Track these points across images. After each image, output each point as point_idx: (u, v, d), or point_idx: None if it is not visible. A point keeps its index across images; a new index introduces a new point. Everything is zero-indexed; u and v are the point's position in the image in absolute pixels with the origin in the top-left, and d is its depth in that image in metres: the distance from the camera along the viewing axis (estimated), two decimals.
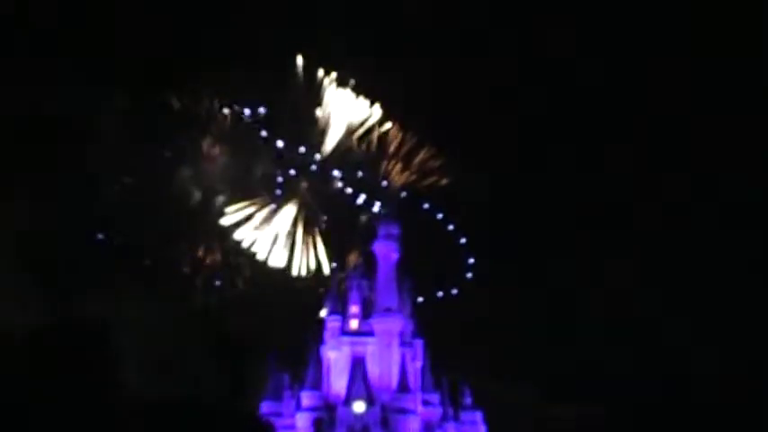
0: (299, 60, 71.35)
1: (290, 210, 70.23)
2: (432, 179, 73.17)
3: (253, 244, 68.37)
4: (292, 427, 57.27)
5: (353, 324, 60.41)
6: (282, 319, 64.82)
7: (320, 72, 71.57)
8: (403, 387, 57.16)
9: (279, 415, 57.98)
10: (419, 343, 61.42)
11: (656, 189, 78.23)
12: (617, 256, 75.34)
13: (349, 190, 72.10)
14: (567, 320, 74.51)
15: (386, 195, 68.43)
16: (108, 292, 59.50)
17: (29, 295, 56.72)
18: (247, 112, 70.66)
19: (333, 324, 60.39)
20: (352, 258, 65.94)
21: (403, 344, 59.88)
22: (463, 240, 74.44)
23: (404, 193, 70.72)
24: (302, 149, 71.33)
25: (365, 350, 59.07)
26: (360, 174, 72.32)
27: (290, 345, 61.92)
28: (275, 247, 68.72)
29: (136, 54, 68.08)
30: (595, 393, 69.35)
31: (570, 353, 72.73)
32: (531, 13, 76.60)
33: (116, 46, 68.01)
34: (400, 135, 72.82)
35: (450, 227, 74.29)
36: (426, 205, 73.68)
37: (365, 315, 60.61)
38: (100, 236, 66.73)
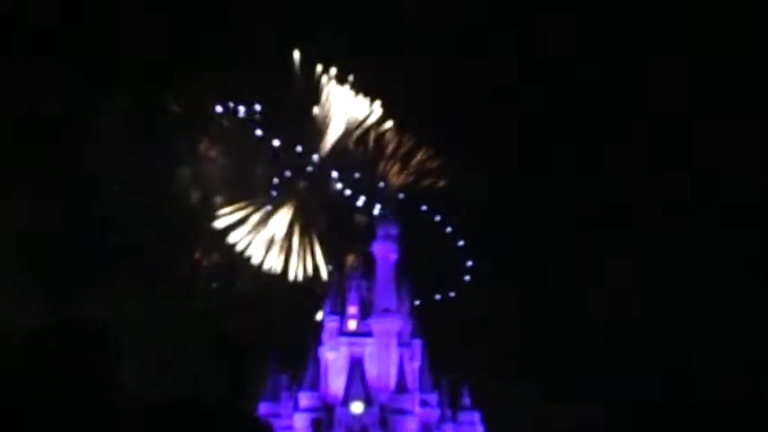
0: (296, 55, 71.13)
1: (286, 212, 70.10)
2: (430, 180, 73.21)
3: (248, 247, 68.32)
4: (290, 427, 57.22)
5: (352, 324, 60.39)
6: (281, 319, 64.82)
7: (318, 68, 71.43)
8: (401, 387, 57.15)
9: (277, 416, 57.97)
10: (417, 343, 61.39)
11: (656, 189, 78.28)
12: (617, 256, 75.37)
13: (347, 191, 72.07)
14: (567, 320, 74.54)
15: (384, 196, 68.37)
16: (108, 292, 59.48)
17: (29, 295, 56.70)
18: (243, 110, 70.39)
19: (331, 324, 60.39)
20: (351, 259, 65.91)
21: (401, 344, 59.87)
22: (461, 242, 74.53)
23: (401, 195, 70.69)
24: (299, 149, 71.19)
25: (363, 351, 59.08)
26: (358, 175, 72.30)
27: (289, 345, 61.93)
28: (271, 251, 68.69)
29: (136, 54, 68.07)
30: (595, 393, 69.38)
31: (570, 353, 72.78)
32: (531, 13, 76.63)
33: (116, 46, 68.00)
34: (398, 136, 72.85)
35: (449, 229, 74.36)
36: (424, 207, 73.74)
37: (363, 315, 60.59)
38: (100, 236, 66.74)
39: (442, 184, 73.41)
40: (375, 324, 59.40)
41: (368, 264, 62.92)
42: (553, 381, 70.96)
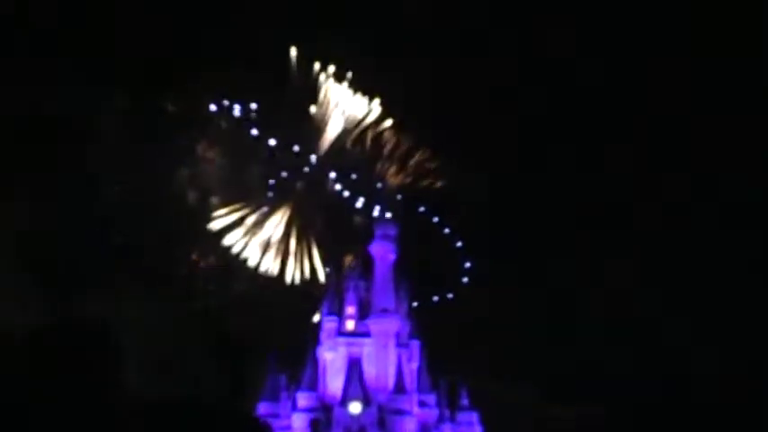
0: (293, 53, 70.87)
1: (283, 214, 69.90)
2: (428, 181, 73.14)
3: (244, 249, 68.22)
4: (289, 427, 57.25)
5: (350, 325, 60.43)
6: (279, 320, 64.78)
7: (316, 66, 71.17)
8: (399, 388, 57.15)
9: (276, 416, 57.97)
10: (415, 344, 61.42)
11: (656, 189, 78.25)
12: (617, 256, 75.36)
13: (345, 192, 71.91)
14: (567, 320, 74.51)
15: (382, 196, 68.28)
16: (108, 292, 59.48)
17: (29, 295, 56.68)
18: (238, 109, 70.08)
19: (329, 325, 60.41)
20: (348, 260, 65.85)
21: (399, 345, 59.89)
22: (459, 244, 74.51)
23: (399, 196, 70.60)
24: (296, 148, 70.96)
25: (362, 351, 59.14)
26: (355, 175, 72.17)
27: (287, 346, 61.91)
28: (267, 253, 68.58)
29: (136, 54, 68.04)
30: (595, 393, 69.36)
31: (570, 353, 72.75)
32: (531, 13, 76.60)
33: (116, 46, 67.97)
34: (396, 136, 72.73)
35: (447, 230, 74.32)
36: (422, 208, 73.68)
37: (362, 316, 60.62)
38: (100, 236, 66.70)
39: (439, 184, 73.43)
40: (373, 324, 59.39)
41: (366, 264, 62.91)
42: (553, 381, 70.97)
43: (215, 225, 68.02)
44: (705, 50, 74.99)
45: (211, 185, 70.19)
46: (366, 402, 56.05)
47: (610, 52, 76.47)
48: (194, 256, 69.13)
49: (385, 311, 59.48)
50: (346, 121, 72.17)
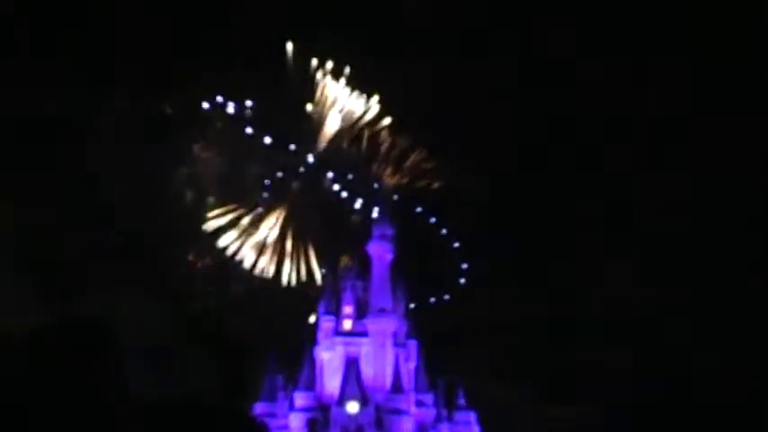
0: (289, 47, 70.53)
1: (278, 214, 69.70)
2: (425, 181, 73.04)
3: (238, 251, 68.12)
4: (286, 427, 57.11)
5: (347, 324, 60.31)
6: (276, 320, 64.73)
7: (314, 63, 70.87)
8: (397, 387, 57.11)
9: (273, 415, 57.86)
10: (413, 343, 61.40)
11: (656, 189, 78.24)
12: (617, 256, 75.36)
13: (343, 192, 71.78)
14: (567, 320, 74.48)
15: (379, 196, 68.14)
16: (108, 292, 59.47)
17: (29, 295, 56.69)
18: (232, 106, 69.78)
19: (326, 324, 60.30)
20: (345, 260, 65.76)
21: (397, 344, 59.85)
22: (457, 245, 74.47)
23: (396, 197, 70.47)
24: (292, 147, 70.73)
25: (359, 350, 59.02)
26: (352, 175, 72.03)
27: (285, 345, 61.87)
28: (263, 255, 68.45)
29: (136, 54, 68.03)
30: (595, 393, 69.37)
31: (570, 353, 72.73)
32: (531, 13, 76.59)
33: (116, 46, 67.97)
34: (393, 136, 72.59)
35: (444, 231, 74.28)
36: (419, 209, 73.61)
37: (359, 315, 60.51)
38: (100, 236, 66.69)
39: (437, 185, 73.33)
40: (371, 324, 59.32)
41: (363, 264, 62.85)
42: (553, 381, 70.97)
43: (210, 226, 67.92)
44: (705, 50, 75.00)
45: (207, 185, 70.05)
46: (363, 402, 55.99)
47: (610, 52, 76.49)
48: (191, 257, 69.03)
49: (382, 311, 59.42)
50: (343, 119, 71.95)
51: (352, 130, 72.28)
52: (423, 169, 72.94)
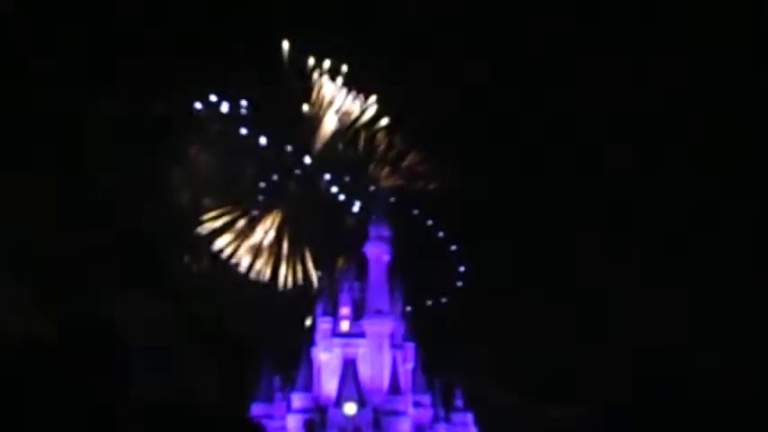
0: (285, 46, 70.13)
1: (274, 216, 69.43)
2: (422, 183, 72.92)
3: (233, 254, 67.97)
4: (283, 428, 57.17)
5: (344, 326, 60.19)
6: (274, 321, 64.66)
7: (311, 61, 70.46)
8: (394, 389, 57.09)
9: (270, 417, 57.95)
10: (410, 345, 61.40)
11: (656, 189, 78.28)
12: (617, 256, 75.39)
13: (339, 194, 71.57)
14: (567, 320, 74.47)
15: (375, 198, 67.98)
16: (108, 292, 59.47)
17: (29, 295, 56.69)
18: (227, 106, 69.38)
19: (324, 326, 60.28)
20: (341, 261, 65.64)
21: (394, 345, 59.82)
22: (454, 248, 74.40)
23: (393, 198, 70.34)
24: (289, 148, 70.41)
25: (356, 352, 58.87)
26: (349, 176, 71.84)
27: (282, 346, 61.83)
28: (259, 258, 68.30)
29: (136, 54, 67.97)
30: (595, 393, 69.37)
31: (570, 353, 72.75)
32: (531, 13, 76.57)
33: (116, 46, 67.92)
34: (389, 138, 72.44)
35: (441, 234, 74.22)
36: (416, 211, 73.51)
37: (356, 317, 60.39)
38: (100, 236, 66.59)
39: (432, 187, 73.21)
40: (368, 325, 59.27)
41: (360, 265, 62.75)
42: (553, 381, 70.97)
43: (204, 229, 67.72)
44: (705, 50, 75.00)
45: (202, 187, 69.75)
46: (361, 403, 55.93)
47: (610, 52, 76.49)
48: (186, 260, 68.84)
49: (379, 312, 59.36)
50: (340, 120, 71.68)
51: (348, 130, 72.10)
52: (420, 170, 72.86)
